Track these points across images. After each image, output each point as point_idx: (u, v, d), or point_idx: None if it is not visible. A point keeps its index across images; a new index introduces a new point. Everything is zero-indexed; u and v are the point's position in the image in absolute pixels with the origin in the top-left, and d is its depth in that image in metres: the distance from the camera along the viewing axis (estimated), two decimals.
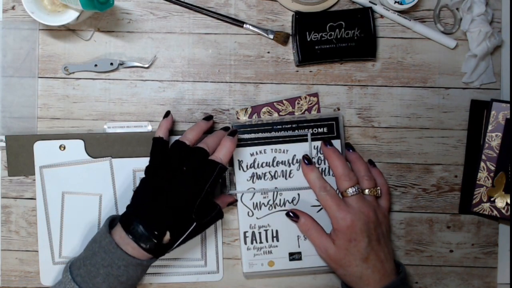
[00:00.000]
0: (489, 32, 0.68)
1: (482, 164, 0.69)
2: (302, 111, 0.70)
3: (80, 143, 0.70)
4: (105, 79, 0.71)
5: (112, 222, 0.63)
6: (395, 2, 0.69)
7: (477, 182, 0.69)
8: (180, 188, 0.60)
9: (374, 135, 0.72)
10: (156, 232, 0.58)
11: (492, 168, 0.69)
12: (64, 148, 0.70)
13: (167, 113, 0.67)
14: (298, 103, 0.70)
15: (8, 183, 0.71)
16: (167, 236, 0.59)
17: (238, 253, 0.71)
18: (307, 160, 0.67)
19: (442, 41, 0.71)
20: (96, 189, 0.70)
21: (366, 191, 0.65)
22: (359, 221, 0.63)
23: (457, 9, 0.71)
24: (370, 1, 0.70)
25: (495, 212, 0.69)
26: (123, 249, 0.58)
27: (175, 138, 0.70)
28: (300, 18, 0.69)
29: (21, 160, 0.70)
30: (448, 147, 0.72)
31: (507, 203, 0.69)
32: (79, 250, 0.69)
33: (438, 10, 0.71)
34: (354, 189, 0.64)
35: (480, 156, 0.69)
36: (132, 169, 0.70)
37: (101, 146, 0.70)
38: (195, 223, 0.60)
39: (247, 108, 0.70)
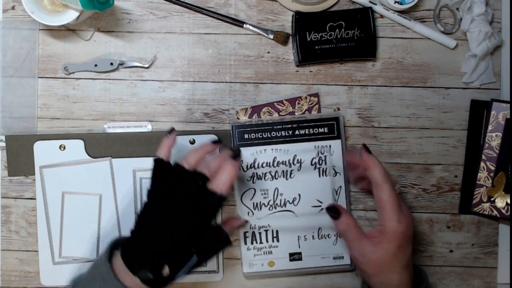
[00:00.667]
0: (489, 32, 0.68)
1: (482, 164, 0.69)
2: (303, 111, 0.70)
3: (80, 143, 0.70)
4: (105, 79, 0.71)
5: (115, 245, 0.59)
6: (395, 2, 0.69)
7: (477, 182, 0.69)
8: (177, 219, 0.56)
9: (374, 135, 0.72)
10: (154, 265, 0.55)
11: (492, 168, 0.69)
12: (64, 148, 0.70)
13: (171, 130, 0.61)
14: (298, 103, 0.70)
15: (8, 183, 0.71)
16: (166, 270, 0.55)
17: (238, 253, 0.71)
18: (334, 217, 0.62)
19: (442, 41, 0.71)
20: (96, 189, 0.70)
21: None
22: (411, 228, 0.59)
23: (457, 9, 0.71)
24: (370, 1, 0.70)
25: (495, 212, 0.69)
26: (121, 280, 0.55)
27: (180, 138, 0.70)
28: (300, 18, 0.69)
29: (21, 160, 0.70)
30: (448, 147, 0.72)
31: (507, 203, 0.69)
32: (79, 250, 0.70)
33: (438, 10, 0.71)
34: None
35: (480, 156, 0.69)
36: (132, 169, 0.70)
37: (101, 146, 0.70)
38: (196, 258, 0.57)
39: (247, 108, 0.70)
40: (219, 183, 0.56)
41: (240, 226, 0.67)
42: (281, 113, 0.70)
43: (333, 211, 0.63)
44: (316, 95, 0.70)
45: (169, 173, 0.59)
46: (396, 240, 0.58)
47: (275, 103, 0.70)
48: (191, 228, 0.56)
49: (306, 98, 0.70)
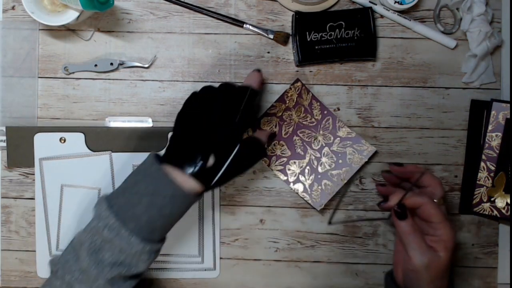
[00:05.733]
0: (489, 32, 0.68)
1: (482, 164, 0.69)
2: (295, 100, 0.70)
3: (80, 136, 0.70)
4: (105, 79, 0.71)
5: (155, 156, 0.59)
6: (395, 2, 0.69)
7: (477, 182, 0.69)
8: (216, 110, 0.58)
9: (374, 135, 0.72)
10: (200, 155, 0.56)
11: (492, 168, 0.69)
12: (65, 140, 0.70)
13: (258, 70, 0.65)
14: (287, 97, 0.70)
15: (8, 183, 0.71)
16: (211, 160, 0.56)
17: (238, 253, 0.71)
18: (401, 215, 0.61)
19: (442, 41, 0.71)
20: (95, 182, 0.70)
21: (440, 199, 0.64)
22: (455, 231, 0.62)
23: (457, 9, 0.71)
24: (370, 1, 0.70)
25: (495, 212, 0.69)
26: (172, 177, 0.55)
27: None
28: (300, 18, 0.69)
29: (21, 152, 0.70)
30: (448, 147, 0.72)
31: (507, 203, 0.69)
32: None
33: (438, 10, 0.71)
34: (443, 199, 0.62)
35: (480, 156, 0.69)
36: (132, 164, 0.70)
37: (101, 140, 0.70)
38: (238, 145, 0.58)
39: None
40: (249, 82, 0.62)
41: (272, 136, 0.68)
42: (278, 115, 0.70)
43: (402, 210, 0.60)
44: (297, 80, 0.70)
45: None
46: (452, 246, 0.59)
47: (267, 111, 0.71)
48: (230, 115, 0.58)
49: (290, 89, 0.70)
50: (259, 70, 0.64)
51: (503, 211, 0.69)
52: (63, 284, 0.56)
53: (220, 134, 0.58)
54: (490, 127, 0.69)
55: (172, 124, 0.70)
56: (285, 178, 0.71)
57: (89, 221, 0.57)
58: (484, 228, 0.72)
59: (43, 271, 0.70)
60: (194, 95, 0.61)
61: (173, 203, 0.55)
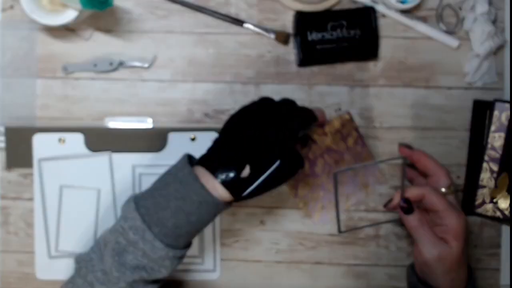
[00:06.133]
0: (492, 32, 0.68)
1: (484, 164, 0.69)
2: (334, 128, 0.68)
3: (79, 137, 0.69)
4: (105, 79, 0.71)
5: (190, 157, 0.57)
6: (397, 1, 0.68)
7: (480, 183, 0.69)
8: (268, 125, 0.55)
9: (376, 136, 0.71)
10: (235, 164, 0.53)
11: (495, 169, 0.68)
12: (64, 141, 0.69)
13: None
14: (329, 124, 0.68)
15: (7, 184, 0.71)
16: (247, 170, 0.53)
17: (238, 255, 0.71)
18: (408, 210, 0.61)
19: (444, 41, 0.70)
20: (94, 183, 0.70)
21: (448, 188, 0.64)
22: (466, 220, 0.60)
23: (460, 8, 0.71)
24: (372, 0, 0.70)
25: (498, 213, 0.68)
26: (202, 182, 0.53)
27: (180, 134, 0.70)
28: (301, 18, 0.69)
29: (19, 152, 0.70)
30: (450, 148, 0.71)
31: (510, 204, 0.68)
32: (76, 244, 0.70)
33: (441, 9, 0.71)
34: (452, 187, 0.62)
35: (482, 156, 0.69)
36: (131, 164, 0.70)
37: (101, 140, 0.70)
38: (278, 162, 0.54)
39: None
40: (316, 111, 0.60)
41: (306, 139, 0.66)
42: (313, 137, 0.68)
43: (406, 207, 0.60)
44: (348, 113, 0.68)
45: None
46: (462, 235, 0.59)
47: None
48: (281, 132, 0.55)
49: (337, 118, 0.68)
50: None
51: (506, 212, 0.68)
52: (85, 283, 0.55)
53: (262, 147, 0.54)
54: (492, 128, 0.68)
55: (172, 124, 0.71)
56: (294, 192, 0.70)
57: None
58: (486, 229, 0.71)
59: (42, 272, 0.70)
60: (252, 104, 0.58)
61: (201, 210, 0.53)
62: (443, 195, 0.61)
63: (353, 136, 0.68)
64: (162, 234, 0.53)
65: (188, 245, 0.57)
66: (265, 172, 0.54)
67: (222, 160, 0.54)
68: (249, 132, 0.55)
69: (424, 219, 0.60)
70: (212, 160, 0.54)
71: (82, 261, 0.57)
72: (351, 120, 0.68)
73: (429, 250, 0.59)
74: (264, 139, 0.54)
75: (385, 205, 0.63)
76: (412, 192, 0.60)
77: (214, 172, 0.53)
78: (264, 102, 0.57)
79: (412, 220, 0.60)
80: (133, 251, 0.53)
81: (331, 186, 0.69)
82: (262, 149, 0.54)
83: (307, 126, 0.59)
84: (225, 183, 0.53)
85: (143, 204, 0.54)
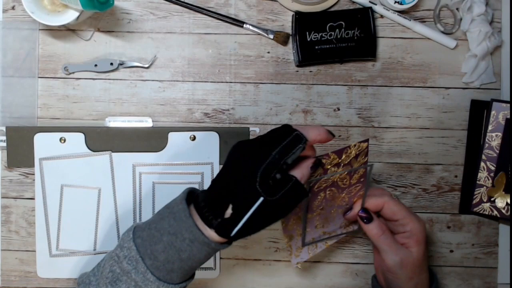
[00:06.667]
0: (489, 32, 0.68)
1: (482, 164, 0.69)
2: (350, 158, 0.59)
3: (80, 136, 0.70)
4: (105, 79, 0.71)
5: (190, 194, 0.56)
6: (395, 2, 0.69)
7: (477, 182, 0.69)
8: (246, 157, 0.53)
9: (374, 135, 0.72)
10: (217, 204, 0.52)
11: (492, 168, 0.69)
12: (65, 140, 0.70)
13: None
14: (346, 152, 0.58)
15: (8, 183, 0.71)
16: (229, 210, 0.52)
17: (238, 253, 0.71)
18: (367, 219, 0.61)
19: (442, 41, 0.71)
20: (95, 182, 0.70)
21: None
22: (425, 224, 0.62)
23: (457, 9, 0.71)
24: (370, 1, 0.70)
25: (495, 212, 0.69)
26: (194, 220, 0.52)
27: (180, 134, 0.70)
28: (300, 18, 0.69)
29: (21, 152, 0.70)
30: (448, 147, 0.72)
31: (507, 203, 0.69)
32: (77, 243, 0.70)
33: (438, 10, 0.71)
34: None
35: (480, 156, 0.69)
36: (132, 163, 0.70)
37: (101, 140, 0.70)
38: (262, 198, 0.51)
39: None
40: (304, 130, 0.54)
41: (314, 166, 0.56)
42: (326, 167, 0.58)
43: (365, 216, 0.61)
44: (367, 141, 0.58)
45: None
46: (423, 239, 0.60)
47: (318, 157, 0.57)
48: (257, 162, 0.52)
49: (354, 146, 0.58)
50: (330, 133, 0.57)
51: (503, 211, 0.69)
52: None
53: (241, 185, 0.52)
54: (490, 127, 0.69)
55: (172, 124, 0.71)
56: (285, 224, 0.64)
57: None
58: (484, 228, 0.72)
59: (43, 271, 0.70)
60: (243, 141, 0.56)
61: (192, 248, 0.52)
62: (401, 202, 0.61)
63: (360, 172, 0.60)
64: (154, 267, 0.53)
65: (185, 281, 0.56)
66: (249, 210, 0.52)
67: (211, 200, 0.53)
68: (229, 171, 0.54)
69: (384, 226, 0.61)
70: (205, 201, 0.53)
71: (82, 283, 0.57)
72: (367, 150, 0.59)
73: (392, 257, 0.59)
74: (242, 176, 0.52)
75: (344, 215, 0.63)
76: (371, 203, 0.61)
77: (203, 212, 0.53)
78: (254, 138, 0.55)
79: (373, 228, 0.60)
80: (126, 280, 0.53)
81: (319, 223, 0.64)
82: (241, 186, 0.52)
83: (290, 152, 0.53)
84: (209, 224, 0.52)
85: (139, 234, 0.54)
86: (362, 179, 0.61)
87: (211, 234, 0.52)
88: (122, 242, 0.55)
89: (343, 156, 0.58)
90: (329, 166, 0.58)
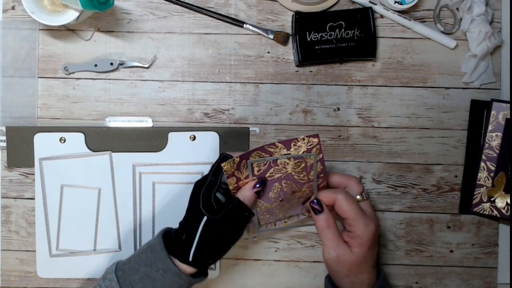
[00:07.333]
0: (489, 32, 0.68)
1: (482, 164, 0.69)
2: (300, 153, 0.59)
3: (80, 136, 0.70)
4: (105, 79, 0.71)
5: (168, 231, 0.62)
6: (395, 2, 0.69)
7: (477, 182, 0.69)
8: (194, 188, 0.61)
9: (374, 135, 0.72)
10: (178, 233, 0.59)
11: (492, 168, 0.69)
12: (65, 140, 0.70)
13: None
14: (294, 145, 0.59)
15: (8, 183, 0.71)
16: (184, 235, 0.58)
17: (238, 253, 0.71)
18: (317, 210, 0.62)
19: (442, 41, 0.71)
20: (95, 182, 0.70)
21: (361, 195, 0.63)
22: (377, 227, 0.61)
23: (457, 9, 0.71)
24: (370, 1, 0.70)
25: (495, 212, 0.69)
26: (168, 252, 0.58)
27: (180, 134, 0.70)
28: (300, 18, 0.69)
29: (21, 152, 0.70)
30: (448, 147, 0.72)
31: (507, 203, 0.69)
32: (76, 243, 0.70)
33: (438, 10, 0.71)
34: (364, 195, 0.63)
35: (480, 156, 0.69)
36: (132, 163, 0.70)
37: (101, 140, 0.70)
38: (205, 218, 0.57)
39: (234, 159, 0.58)
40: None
41: (257, 191, 0.60)
42: (274, 155, 0.59)
43: (316, 205, 0.61)
44: (316, 136, 0.58)
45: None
46: (367, 242, 0.59)
47: (265, 147, 0.58)
48: (198, 187, 0.60)
49: (303, 139, 0.58)
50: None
51: (503, 211, 0.69)
52: None
53: (190, 211, 0.60)
54: (490, 127, 0.69)
55: (172, 124, 0.71)
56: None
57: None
58: (484, 228, 0.72)
59: (43, 271, 0.70)
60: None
61: (165, 278, 0.57)
62: (356, 202, 0.61)
63: (318, 169, 0.60)
64: None
65: None
66: (197, 231, 0.57)
67: (175, 233, 0.60)
68: (188, 204, 0.61)
69: (332, 221, 0.61)
70: (172, 234, 0.60)
71: None
72: (319, 146, 0.59)
73: (329, 251, 0.60)
74: (190, 203, 0.60)
75: (303, 203, 0.64)
76: (325, 195, 0.61)
77: (168, 243, 0.59)
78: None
79: (319, 220, 0.61)
80: None
81: (279, 211, 0.65)
82: (190, 212, 0.60)
83: (220, 169, 0.58)
84: (172, 253, 0.58)
85: (121, 267, 0.60)
86: (322, 175, 0.61)
87: (182, 265, 0.58)
88: (105, 274, 0.60)
89: (292, 149, 0.59)
90: (277, 156, 0.59)
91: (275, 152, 0.59)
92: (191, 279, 0.58)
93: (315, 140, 0.58)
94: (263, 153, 0.59)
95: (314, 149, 0.59)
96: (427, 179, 0.72)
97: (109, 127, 0.70)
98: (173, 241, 0.59)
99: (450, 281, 0.72)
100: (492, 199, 0.69)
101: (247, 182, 0.61)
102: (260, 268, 0.72)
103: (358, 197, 0.62)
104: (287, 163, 0.60)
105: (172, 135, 0.70)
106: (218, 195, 0.60)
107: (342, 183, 0.63)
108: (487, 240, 0.72)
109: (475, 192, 0.69)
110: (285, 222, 0.68)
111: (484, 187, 0.69)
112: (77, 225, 0.70)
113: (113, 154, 0.70)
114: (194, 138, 0.70)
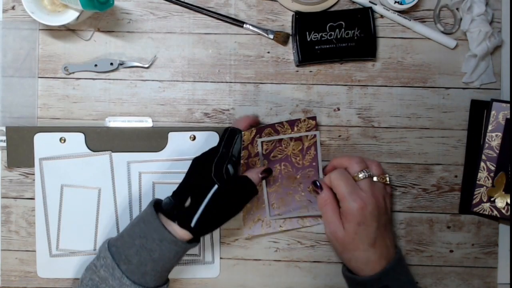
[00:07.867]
0: (489, 32, 0.68)
1: (482, 164, 0.69)
2: (300, 133, 0.68)
3: (80, 136, 0.70)
4: (105, 79, 0.71)
5: (158, 202, 0.62)
6: (395, 2, 0.69)
7: (477, 182, 0.69)
8: (202, 160, 0.62)
9: (374, 135, 0.72)
10: (178, 198, 0.59)
11: (492, 168, 0.69)
12: (65, 140, 0.70)
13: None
14: (297, 126, 0.67)
15: (8, 183, 0.71)
16: (188, 200, 0.59)
17: (238, 253, 0.71)
18: (317, 186, 0.67)
19: (442, 41, 0.71)
20: (95, 182, 0.70)
21: (375, 178, 0.66)
22: (370, 205, 0.62)
23: (457, 9, 0.71)
24: (370, 1, 0.70)
25: (495, 212, 0.69)
26: (161, 221, 0.58)
27: (180, 134, 0.70)
28: (300, 18, 0.69)
29: (21, 152, 0.70)
30: (448, 147, 0.72)
31: (507, 203, 0.69)
32: (77, 243, 0.70)
33: (438, 10, 0.71)
34: (364, 173, 0.64)
35: (480, 156, 0.69)
36: (132, 163, 0.70)
37: (101, 140, 0.70)
38: (216, 186, 0.59)
39: (252, 130, 0.65)
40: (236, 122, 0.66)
41: (265, 174, 0.65)
42: (281, 134, 0.67)
43: (317, 185, 0.66)
44: (314, 118, 0.67)
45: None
46: (354, 217, 0.62)
47: (275, 125, 0.66)
48: (210, 157, 0.61)
49: (304, 121, 0.67)
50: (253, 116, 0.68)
51: (503, 211, 0.69)
52: None
53: (195, 177, 0.61)
54: (490, 127, 0.69)
55: (172, 124, 0.71)
56: None
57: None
58: (484, 228, 0.72)
59: (43, 271, 0.70)
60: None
61: (161, 247, 0.57)
62: (349, 180, 0.64)
63: (311, 154, 0.69)
64: (129, 271, 0.58)
65: (159, 286, 0.60)
66: (205, 197, 0.59)
67: (170, 199, 0.60)
68: (190, 174, 0.62)
69: (330, 199, 0.65)
70: (165, 202, 0.60)
71: None
72: (316, 126, 0.67)
73: (325, 227, 0.66)
74: (199, 172, 0.61)
75: (309, 187, 0.69)
76: (325, 177, 0.66)
77: (164, 209, 0.59)
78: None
79: (319, 198, 0.66)
80: (105, 287, 0.57)
81: (275, 202, 0.69)
82: (199, 179, 0.60)
83: (230, 142, 0.63)
84: (171, 217, 0.58)
85: (114, 243, 0.60)
86: (314, 163, 0.68)
87: (177, 232, 0.58)
88: (99, 253, 0.60)
89: (295, 129, 0.67)
90: (283, 135, 0.67)
91: (282, 131, 0.67)
92: (186, 245, 0.59)
93: (313, 122, 0.67)
94: (272, 131, 0.66)
95: (312, 136, 0.67)
96: (427, 179, 0.72)
97: (109, 127, 0.70)
98: (173, 206, 0.59)
99: (450, 281, 0.72)
100: (492, 199, 0.69)
101: (256, 161, 0.66)
102: (260, 268, 0.72)
103: (360, 175, 0.64)
104: (289, 144, 0.67)
105: (172, 135, 0.70)
106: (229, 166, 0.61)
107: (342, 164, 0.66)
108: (487, 240, 0.72)
109: (475, 192, 0.69)
110: (281, 226, 0.70)
111: (484, 187, 0.69)
112: (77, 225, 0.70)
113: (113, 154, 0.70)
114: (194, 138, 0.70)
